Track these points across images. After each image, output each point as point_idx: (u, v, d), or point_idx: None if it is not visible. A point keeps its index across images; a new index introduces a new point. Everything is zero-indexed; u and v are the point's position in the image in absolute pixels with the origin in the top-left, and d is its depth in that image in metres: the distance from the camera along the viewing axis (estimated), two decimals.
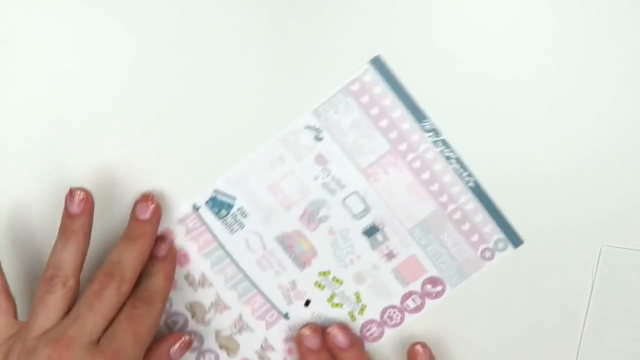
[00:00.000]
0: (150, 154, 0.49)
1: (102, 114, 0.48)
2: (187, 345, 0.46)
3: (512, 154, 0.50)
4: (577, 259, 0.50)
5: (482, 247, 0.49)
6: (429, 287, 0.49)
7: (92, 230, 0.45)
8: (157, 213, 0.45)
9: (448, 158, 0.47)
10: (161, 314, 0.44)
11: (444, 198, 0.48)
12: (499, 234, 0.48)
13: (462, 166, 0.47)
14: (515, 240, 0.49)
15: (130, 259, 0.43)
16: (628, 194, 0.50)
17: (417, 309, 0.49)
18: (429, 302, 0.49)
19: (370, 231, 0.48)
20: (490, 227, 0.48)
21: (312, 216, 0.48)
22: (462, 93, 0.47)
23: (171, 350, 0.45)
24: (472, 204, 0.48)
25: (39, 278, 0.44)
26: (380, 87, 0.46)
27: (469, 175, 0.48)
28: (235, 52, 0.47)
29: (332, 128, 0.47)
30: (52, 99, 0.48)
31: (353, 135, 0.47)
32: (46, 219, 0.44)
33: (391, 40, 0.47)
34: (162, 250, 0.46)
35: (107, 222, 0.48)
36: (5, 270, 0.46)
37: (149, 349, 0.44)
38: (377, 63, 0.46)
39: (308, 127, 0.46)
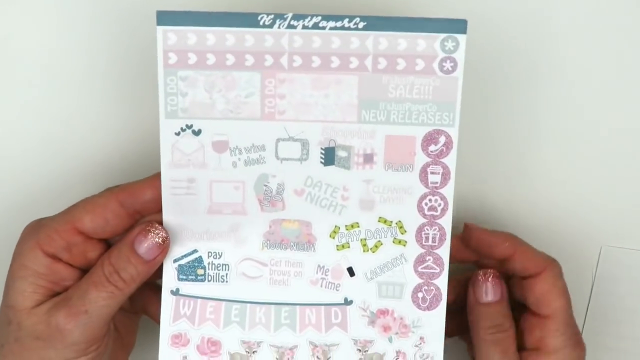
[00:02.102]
0: (151, 154, 0.48)
1: (102, 114, 0.48)
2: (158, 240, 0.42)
3: (511, 154, 0.49)
4: (577, 259, 0.50)
5: None
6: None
7: None
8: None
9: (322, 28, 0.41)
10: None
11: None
12: None
13: None
14: None
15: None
16: (628, 194, 0.50)
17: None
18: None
19: (328, 155, 0.42)
20: None
21: (268, 197, 0.42)
22: None
23: (135, 241, 0.41)
24: None
25: None
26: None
27: None
28: None
29: (199, 112, 0.41)
30: (52, 99, 0.48)
31: (215, 96, 0.41)
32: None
33: None
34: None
35: None
36: (6, 269, 0.46)
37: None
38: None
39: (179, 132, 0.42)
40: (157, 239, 0.41)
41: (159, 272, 0.43)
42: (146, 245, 0.41)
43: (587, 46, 0.48)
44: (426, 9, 0.46)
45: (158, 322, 0.44)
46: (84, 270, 0.42)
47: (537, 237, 0.49)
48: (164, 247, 0.42)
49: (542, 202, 0.50)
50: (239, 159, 0.42)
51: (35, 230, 0.42)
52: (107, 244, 0.43)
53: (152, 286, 0.46)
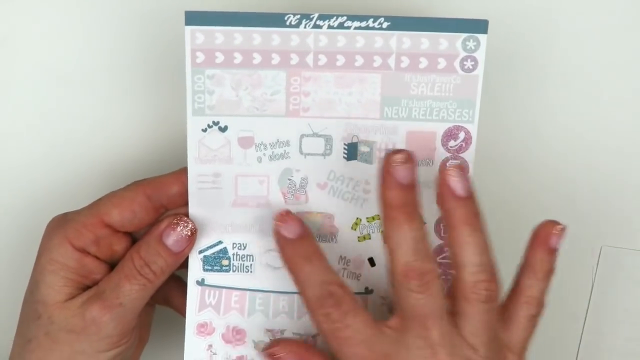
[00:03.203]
0: (151, 153, 0.49)
1: (102, 114, 0.49)
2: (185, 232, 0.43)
3: (511, 154, 0.50)
4: (577, 259, 0.51)
5: None
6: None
7: None
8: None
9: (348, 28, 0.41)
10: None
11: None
12: None
13: None
14: None
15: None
16: (628, 194, 0.51)
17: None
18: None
19: (351, 150, 0.43)
20: None
21: (292, 190, 0.44)
22: None
23: (163, 234, 0.42)
24: None
25: None
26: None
27: None
28: None
29: (225, 109, 0.42)
30: (52, 99, 0.48)
31: (241, 94, 0.42)
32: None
33: None
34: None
35: None
36: (5, 270, 0.46)
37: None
38: None
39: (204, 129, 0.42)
40: (185, 232, 0.42)
41: (184, 263, 0.44)
42: (175, 237, 0.42)
43: (596, 54, 0.49)
44: (445, 9, 0.47)
45: (181, 313, 0.46)
46: (110, 264, 0.43)
47: None
48: (192, 239, 0.43)
49: (542, 201, 0.51)
50: (264, 154, 0.43)
51: (62, 224, 0.43)
52: (132, 237, 0.44)
53: (174, 278, 0.47)
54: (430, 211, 0.44)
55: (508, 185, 0.51)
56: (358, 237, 0.44)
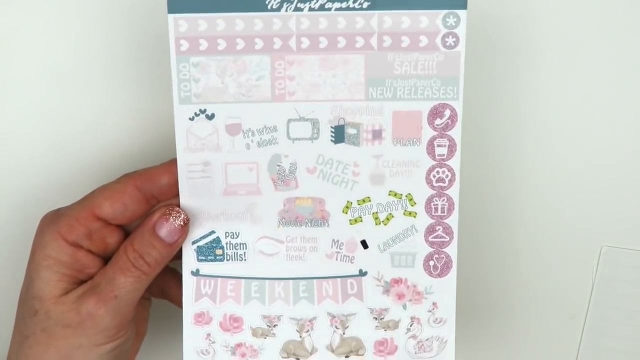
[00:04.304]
0: (152, 153, 0.49)
1: (102, 114, 0.49)
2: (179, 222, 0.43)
3: (511, 154, 0.51)
4: (577, 259, 0.51)
5: None
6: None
7: None
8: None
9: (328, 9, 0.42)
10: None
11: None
12: None
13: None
14: None
15: None
16: (628, 194, 0.51)
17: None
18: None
19: (338, 133, 0.44)
20: None
21: (282, 177, 0.44)
22: None
23: (156, 225, 0.43)
24: None
25: None
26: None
27: None
28: None
29: (212, 96, 0.42)
30: (52, 99, 0.48)
31: (226, 80, 0.42)
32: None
33: None
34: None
35: None
36: (5, 269, 0.47)
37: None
38: None
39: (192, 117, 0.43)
40: (178, 222, 0.42)
41: (178, 255, 0.44)
42: (168, 228, 0.42)
43: (593, 32, 0.49)
44: None
45: (177, 304, 0.46)
46: (104, 258, 0.44)
47: (538, 237, 0.51)
48: (185, 229, 0.43)
49: (543, 201, 0.51)
50: (252, 141, 0.43)
51: (55, 220, 0.43)
52: (125, 230, 0.44)
53: (169, 270, 0.47)
54: (420, 190, 0.44)
55: (508, 185, 0.51)
56: (350, 220, 0.45)
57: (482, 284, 0.52)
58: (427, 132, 0.43)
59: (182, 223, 0.43)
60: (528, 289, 0.52)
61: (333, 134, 0.43)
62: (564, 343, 0.52)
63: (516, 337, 0.53)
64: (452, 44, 0.42)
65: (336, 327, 0.45)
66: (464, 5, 0.42)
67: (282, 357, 0.45)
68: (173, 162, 0.43)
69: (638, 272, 0.51)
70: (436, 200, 0.44)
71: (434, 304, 0.45)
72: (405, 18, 0.42)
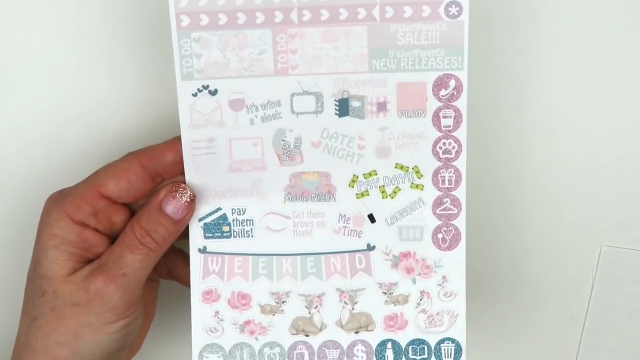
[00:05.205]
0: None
1: (102, 114, 0.49)
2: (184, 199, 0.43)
3: (512, 153, 0.50)
4: (577, 259, 0.51)
5: None
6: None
7: None
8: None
9: None
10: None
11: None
12: None
13: None
14: None
15: None
16: (628, 194, 0.51)
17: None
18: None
19: (342, 106, 0.43)
20: None
21: (286, 151, 0.43)
22: None
23: (163, 202, 0.42)
24: None
25: None
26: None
27: None
28: None
29: (214, 71, 0.42)
30: (52, 99, 0.49)
31: (228, 55, 0.42)
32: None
33: None
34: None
35: None
36: (5, 269, 0.47)
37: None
38: None
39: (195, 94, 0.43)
40: (184, 198, 0.42)
41: (184, 233, 0.44)
42: (174, 205, 0.42)
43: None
44: None
45: (185, 284, 0.46)
46: (111, 237, 0.44)
47: (538, 237, 0.50)
48: (192, 206, 0.43)
49: (542, 201, 0.51)
50: (256, 116, 0.43)
51: (60, 199, 0.43)
52: (131, 209, 0.44)
53: (176, 250, 0.47)
54: (426, 162, 0.44)
55: (508, 184, 0.51)
56: (356, 194, 0.44)
57: (481, 284, 0.52)
58: (433, 103, 0.43)
59: (188, 200, 0.42)
60: (528, 289, 0.52)
61: (337, 107, 0.43)
62: (564, 343, 0.52)
63: (516, 336, 0.53)
64: (456, 13, 0.42)
65: (345, 302, 0.45)
66: None
67: (291, 334, 0.45)
68: (177, 139, 0.43)
69: (638, 272, 0.51)
70: (443, 172, 0.44)
71: (443, 277, 0.45)
72: None
